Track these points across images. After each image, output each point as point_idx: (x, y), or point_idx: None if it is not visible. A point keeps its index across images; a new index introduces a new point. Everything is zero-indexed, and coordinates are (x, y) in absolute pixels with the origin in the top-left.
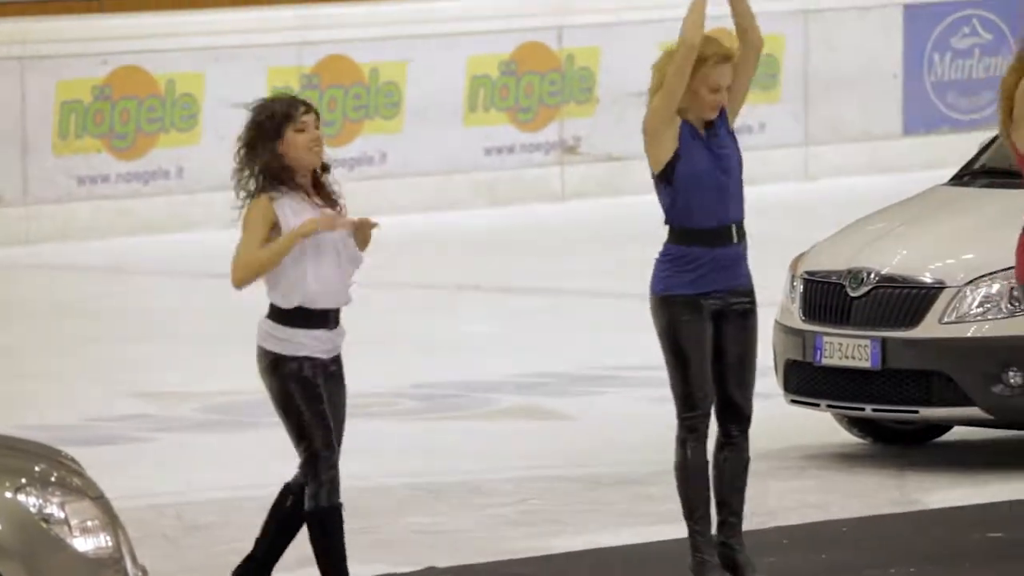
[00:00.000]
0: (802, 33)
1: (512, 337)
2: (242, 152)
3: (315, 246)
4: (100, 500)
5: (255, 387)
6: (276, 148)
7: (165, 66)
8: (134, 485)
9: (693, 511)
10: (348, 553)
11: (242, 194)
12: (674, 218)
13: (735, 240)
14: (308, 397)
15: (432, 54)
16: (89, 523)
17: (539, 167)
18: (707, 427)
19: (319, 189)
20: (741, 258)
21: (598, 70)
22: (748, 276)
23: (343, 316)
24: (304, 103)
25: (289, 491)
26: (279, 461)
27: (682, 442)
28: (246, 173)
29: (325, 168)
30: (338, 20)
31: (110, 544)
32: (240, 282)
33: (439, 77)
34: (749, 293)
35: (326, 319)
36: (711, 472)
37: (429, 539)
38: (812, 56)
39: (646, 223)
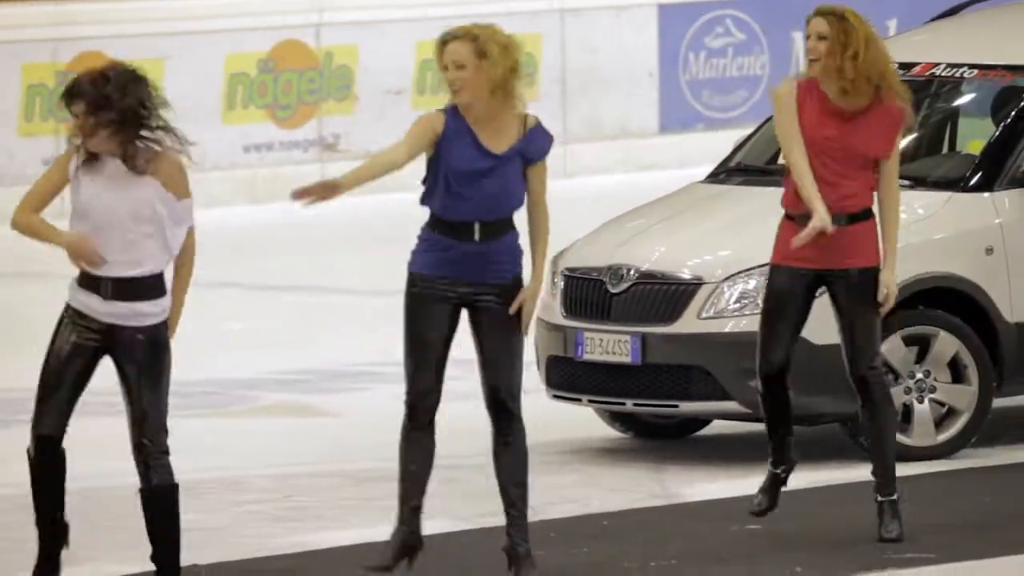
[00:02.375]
0: (559, 32)
1: (273, 334)
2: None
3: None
4: None
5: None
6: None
7: None
8: None
9: (400, 486)
10: (105, 552)
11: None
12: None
13: (477, 237)
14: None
15: (189, 51)
16: None
17: (298, 164)
18: (425, 411)
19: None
20: (488, 254)
21: (357, 68)
22: (499, 273)
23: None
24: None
25: None
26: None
27: (403, 420)
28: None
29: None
30: (94, 16)
31: None
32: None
33: (197, 74)
34: (496, 289)
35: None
36: (493, 464)
37: (190, 537)
38: (569, 54)
39: (407, 220)
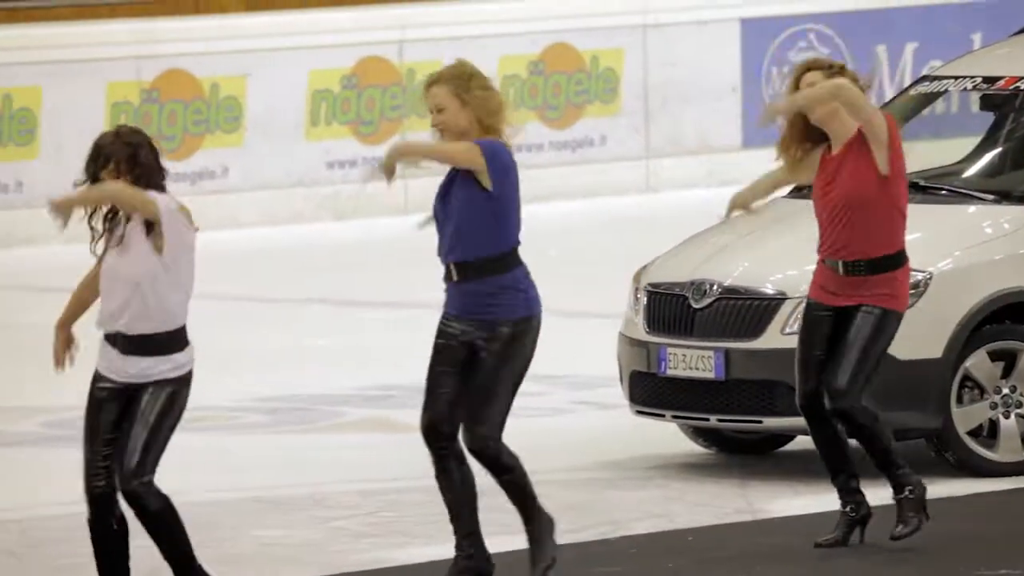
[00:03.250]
0: (641, 46)
1: (358, 350)
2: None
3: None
4: None
5: None
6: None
7: (2, 80)
8: None
9: (448, 515)
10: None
11: None
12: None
13: (455, 278)
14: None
15: (272, 68)
16: None
17: (381, 180)
18: (437, 443)
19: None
20: (469, 294)
21: None
22: (479, 312)
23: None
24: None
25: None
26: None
27: None
28: None
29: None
30: (178, 34)
31: None
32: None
33: (280, 91)
34: (478, 329)
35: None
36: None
37: (276, 552)
38: (651, 69)
39: None
